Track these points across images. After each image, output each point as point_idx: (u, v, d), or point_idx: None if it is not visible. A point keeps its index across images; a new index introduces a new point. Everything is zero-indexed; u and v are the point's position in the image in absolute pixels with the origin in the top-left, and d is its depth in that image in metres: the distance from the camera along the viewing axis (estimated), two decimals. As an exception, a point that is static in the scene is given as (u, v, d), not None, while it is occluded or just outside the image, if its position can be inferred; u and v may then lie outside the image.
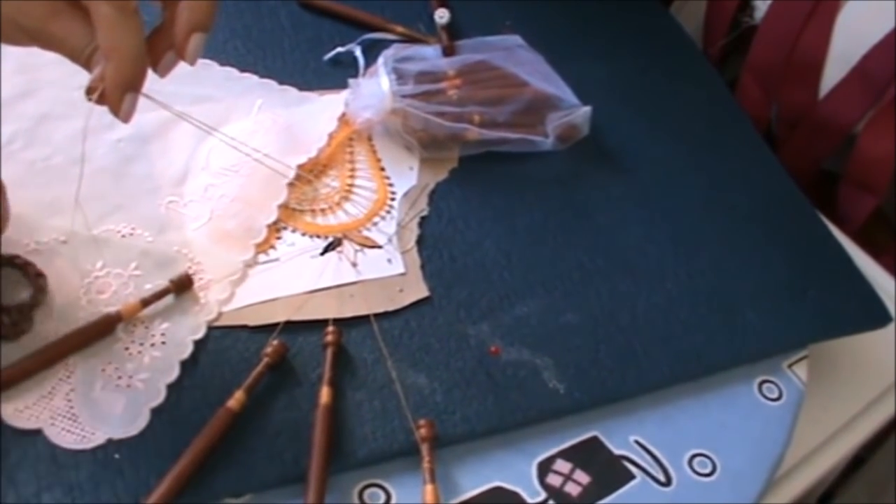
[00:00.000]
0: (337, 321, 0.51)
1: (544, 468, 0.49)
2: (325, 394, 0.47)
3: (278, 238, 0.54)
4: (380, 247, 0.55)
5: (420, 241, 0.56)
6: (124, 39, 0.42)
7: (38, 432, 0.45)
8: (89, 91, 0.42)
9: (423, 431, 0.47)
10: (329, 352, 0.49)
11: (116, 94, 0.42)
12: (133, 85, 0.42)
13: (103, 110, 0.42)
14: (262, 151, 0.57)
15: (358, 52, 0.64)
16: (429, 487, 0.45)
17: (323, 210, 0.56)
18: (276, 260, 0.53)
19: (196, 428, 0.45)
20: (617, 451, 0.50)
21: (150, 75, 0.44)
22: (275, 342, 0.49)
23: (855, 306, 0.59)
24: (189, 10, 0.43)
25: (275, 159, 0.55)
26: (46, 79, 0.58)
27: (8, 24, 0.42)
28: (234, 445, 0.46)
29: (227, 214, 0.54)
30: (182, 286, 0.50)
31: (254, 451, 0.46)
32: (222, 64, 0.63)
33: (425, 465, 0.46)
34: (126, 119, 0.43)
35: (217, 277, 0.51)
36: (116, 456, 0.44)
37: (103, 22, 0.41)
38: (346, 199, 0.57)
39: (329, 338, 0.50)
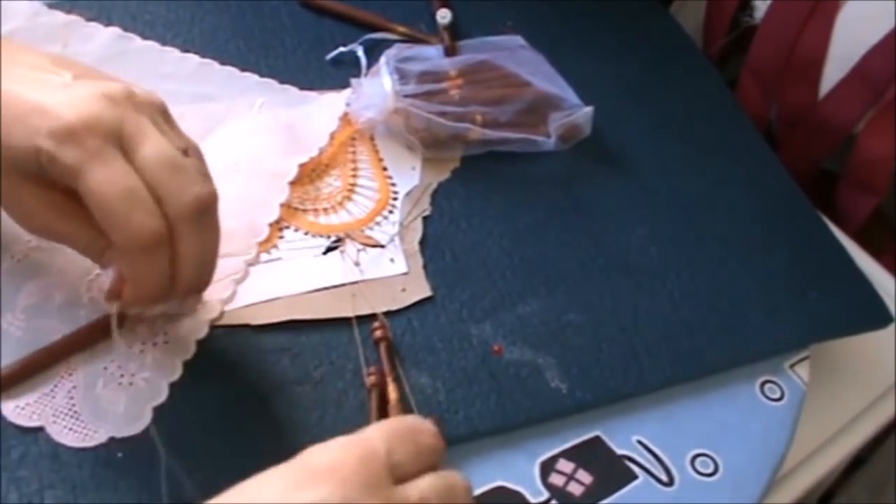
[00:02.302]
0: (339, 320, 0.51)
1: (547, 468, 0.49)
2: (392, 390, 0.48)
3: (280, 237, 0.54)
4: (382, 246, 0.55)
5: (422, 241, 0.56)
6: (145, 272, 0.41)
7: (40, 430, 0.45)
8: (110, 295, 0.42)
9: (428, 430, 0.47)
10: (382, 346, 0.50)
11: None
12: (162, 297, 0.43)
13: None
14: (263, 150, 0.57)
15: (360, 52, 0.64)
16: (434, 486, 0.45)
17: (325, 209, 0.56)
18: (279, 259, 0.53)
19: (199, 426, 0.45)
20: (619, 451, 0.50)
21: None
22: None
23: (856, 306, 0.59)
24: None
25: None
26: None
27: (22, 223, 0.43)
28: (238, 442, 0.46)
29: (229, 213, 0.53)
30: (186, 285, 0.49)
31: (256, 448, 0.46)
32: (223, 63, 0.62)
33: (431, 463, 0.46)
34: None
35: (219, 276, 0.51)
36: (119, 454, 0.44)
37: (123, 255, 0.41)
38: (349, 198, 0.57)
39: (378, 333, 0.50)
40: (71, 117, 0.40)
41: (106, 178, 0.39)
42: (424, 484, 0.37)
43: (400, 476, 0.37)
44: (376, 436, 0.37)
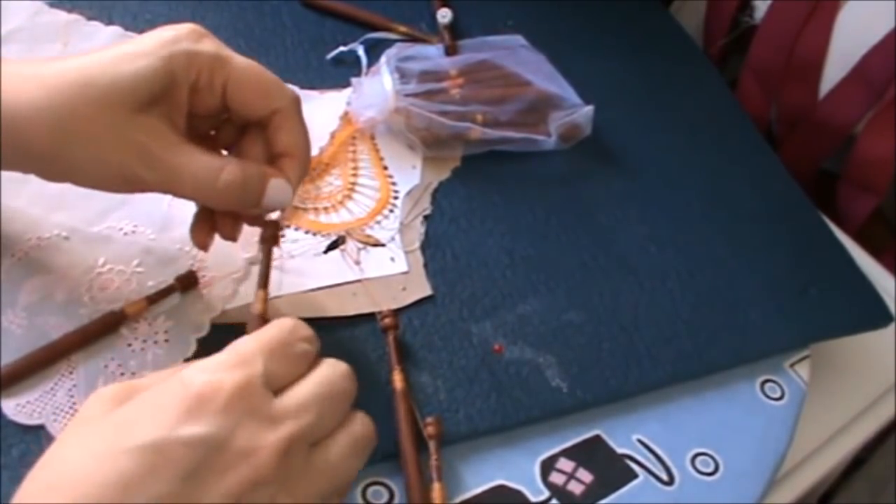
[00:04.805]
0: (339, 319, 0.51)
1: (547, 467, 0.49)
2: (397, 379, 0.48)
3: (281, 236, 0.54)
4: (383, 245, 0.55)
5: (423, 240, 0.56)
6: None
7: (40, 428, 0.44)
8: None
9: (430, 429, 0.47)
10: (391, 336, 0.50)
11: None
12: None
13: None
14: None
15: (360, 51, 0.64)
16: (436, 486, 0.45)
17: (326, 208, 0.56)
18: (279, 257, 0.53)
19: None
20: (620, 450, 0.50)
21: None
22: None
23: (856, 306, 0.59)
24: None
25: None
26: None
27: (138, 151, 0.42)
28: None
29: (230, 212, 0.54)
30: (188, 284, 0.49)
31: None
32: (224, 62, 0.62)
33: (433, 462, 0.46)
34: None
35: (220, 275, 0.51)
36: (119, 453, 0.44)
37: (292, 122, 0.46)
38: (349, 197, 0.57)
39: (387, 321, 0.50)
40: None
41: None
42: (302, 391, 0.37)
43: (278, 387, 0.37)
44: (253, 351, 0.37)
